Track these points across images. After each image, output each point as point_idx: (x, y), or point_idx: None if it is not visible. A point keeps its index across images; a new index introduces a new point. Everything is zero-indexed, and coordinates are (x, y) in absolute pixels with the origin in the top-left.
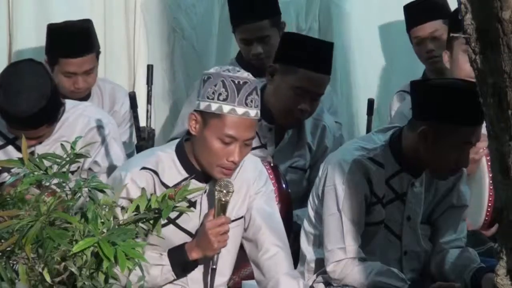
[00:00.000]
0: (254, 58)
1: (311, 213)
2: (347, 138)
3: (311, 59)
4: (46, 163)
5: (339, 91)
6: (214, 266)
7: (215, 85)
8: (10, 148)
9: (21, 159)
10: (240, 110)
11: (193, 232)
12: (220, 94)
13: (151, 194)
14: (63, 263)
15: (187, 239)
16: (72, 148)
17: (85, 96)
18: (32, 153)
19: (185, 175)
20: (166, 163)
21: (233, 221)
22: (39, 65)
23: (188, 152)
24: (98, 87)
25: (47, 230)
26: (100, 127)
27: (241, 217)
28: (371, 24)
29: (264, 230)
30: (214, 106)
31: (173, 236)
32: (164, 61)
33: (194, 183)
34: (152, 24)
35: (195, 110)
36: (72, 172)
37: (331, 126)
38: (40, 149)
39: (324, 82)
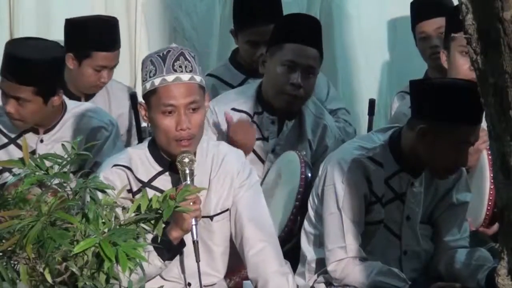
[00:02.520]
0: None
1: (311, 213)
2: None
3: (295, 32)
4: (47, 163)
5: (340, 91)
6: (195, 239)
7: (146, 67)
8: (11, 147)
9: (21, 159)
10: (170, 77)
11: None
12: (150, 71)
13: (130, 192)
14: (64, 263)
15: None
16: (73, 148)
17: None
18: (34, 152)
19: (159, 168)
20: (139, 159)
21: (218, 214)
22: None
23: (159, 146)
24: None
25: (48, 230)
26: (101, 127)
27: (227, 210)
28: (372, 24)
29: (249, 225)
30: (148, 85)
31: None
32: None
33: (169, 175)
34: (153, 24)
35: (141, 101)
36: (74, 173)
37: (332, 126)
38: (41, 149)
39: (312, 54)
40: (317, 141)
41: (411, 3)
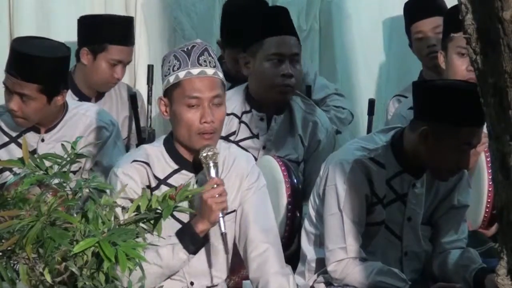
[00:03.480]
0: None
1: (312, 213)
2: (349, 138)
3: (271, 26)
4: (47, 163)
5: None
6: (223, 231)
7: (169, 62)
8: (12, 146)
9: (21, 159)
10: (195, 71)
11: (185, 222)
12: (174, 65)
13: (149, 188)
14: (64, 263)
15: None
16: (73, 148)
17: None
18: (34, 151)
19: (175, 166)
20: (155, 156)
21: (226, 214)
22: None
23: (175, 143)
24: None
25: (47, 230)
26: (102, 127)
27: (234, 211)
28: (371, 25)
29: (254, 226)
30: (172, 78)
31: (168, 227)
32: None
33: (185, 174)
34: (153, 24)
35: (161, 96)
36: (74, 172)
37: (324, 121)
38: (42, 148)
39: (293, 42)
40: (308, 137)
41: (405, 4)
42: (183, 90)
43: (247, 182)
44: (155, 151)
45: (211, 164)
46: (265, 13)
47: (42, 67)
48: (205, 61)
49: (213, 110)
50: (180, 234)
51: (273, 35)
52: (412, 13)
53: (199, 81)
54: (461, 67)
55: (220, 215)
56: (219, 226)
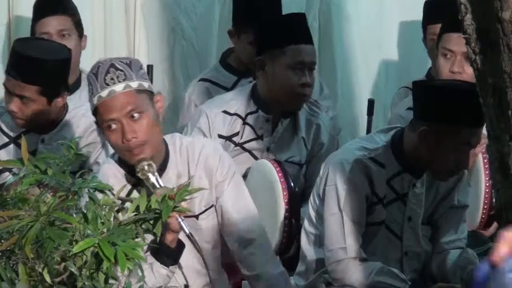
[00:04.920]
0: None
1: (312, 213)
2: (348, 138)
3: (294, 33)
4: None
5: (340, 92)
6: (187, 233)
7: (87, 85)
8: (12, 147)
9: (20, 160)
10: (104, 92)
11: None
12: (90, 90)
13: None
14: (63, 264)
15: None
16: (72, 148)
17: (75, 83)
18: (35, 151)
19: (132, 182)
20: (113, 176)
21: (203, 211)
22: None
23: None
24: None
25: (47, 230)
26: None
27: (211, 206)
28: (371, 24)
29: (237, 219)
30: (91, 104)
31: None
32: (164, 62)
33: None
34: (152, 24)
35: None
36: (74, 173)
37: (327, 124)
38: (42, 149)
39: (312, 51)
40: (311, 140)
41: (425, 2)
42: (100, 115)
43: (220, 174)
44: (113, 170)
45: (150, 176)
46: (286, 19)
47: (43, 69)
48: (112, 78)
49: (133, 124)
50: (154, 252)
51: (295, 43)
52: (431, 14)
53: (110, 102)
54: (444, 69)
55: (179, 219)
56: (183, 229)
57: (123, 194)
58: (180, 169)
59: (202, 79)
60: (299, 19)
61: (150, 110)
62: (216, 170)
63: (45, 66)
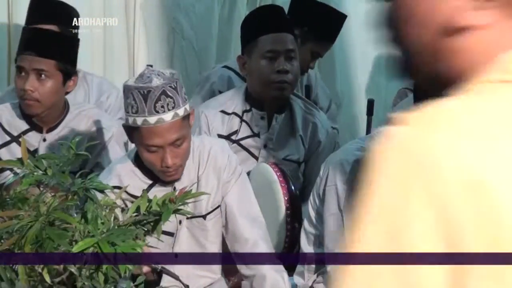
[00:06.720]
0: None
1: (312, 213)
2: (348, 139)
3: (264, 24)
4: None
5: (339, 91)
6: (158, 269)
7: (128, 99)
8: (14, 145)
9: (20, 159)
10: (152, 119)
11: (173, 231)
12: (132, 106)
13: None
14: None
15: (169, 239)
16: (72, 149)
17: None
18: (36, 151)
19: (149, 182)
20: (127, 175)
21: (210, 212)
22: None
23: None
24: (85, 80)
25: (46, 230)
26: (103, 129)
27: (218, 206)
28: (370, 24)
29: (240, 219)
30: (130, 120)
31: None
32: (164, 61)
33: (161, 189)
34: (152, 24)
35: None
36: (74, 173)
37: (324, 122)
38: (43, 149)
39: (287, 38)
40: (308, 139)
41: None
42: (142, 136)
43: (226, 174)
44: (127, 169)
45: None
46: (258, 12)
47: (59, 42)
48: (162, 106)
49: (174, 151)
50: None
51: (267, 33)
52: None
53: (157, 129)
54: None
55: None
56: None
57: (139, 193)
58: (192, 175)
59: (226, 67)
60: (273, 10)
61: (189, 135)
62: (223, 170)
63: (61, 40)
